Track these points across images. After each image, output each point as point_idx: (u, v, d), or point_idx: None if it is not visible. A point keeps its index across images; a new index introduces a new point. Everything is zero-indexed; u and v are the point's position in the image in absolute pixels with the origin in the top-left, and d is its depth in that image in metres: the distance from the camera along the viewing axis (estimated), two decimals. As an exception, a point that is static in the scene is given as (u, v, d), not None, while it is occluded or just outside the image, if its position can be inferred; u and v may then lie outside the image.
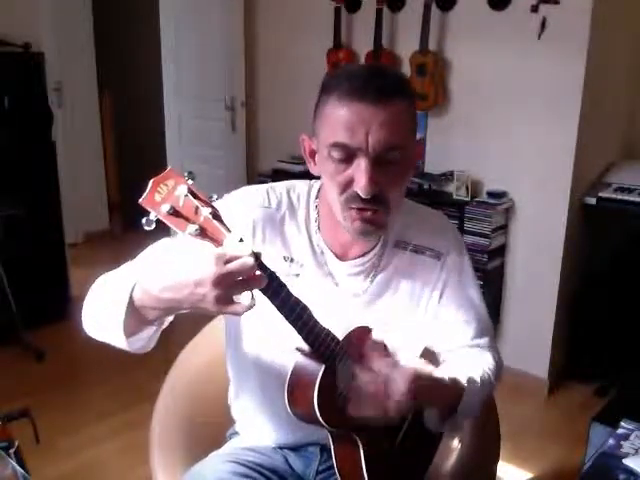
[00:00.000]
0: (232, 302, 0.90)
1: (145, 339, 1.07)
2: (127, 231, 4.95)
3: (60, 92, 4.26)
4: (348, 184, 1.06)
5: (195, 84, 4.08)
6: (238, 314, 0.91)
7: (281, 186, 1.23)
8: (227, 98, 3.88)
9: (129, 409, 2.68)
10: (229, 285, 0.88)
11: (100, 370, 3.01)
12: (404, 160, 1.07)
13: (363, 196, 1.04)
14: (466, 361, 1.25)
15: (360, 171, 1.04)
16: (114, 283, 1.05)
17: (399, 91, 1.06)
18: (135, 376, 2.74)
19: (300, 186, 1.23)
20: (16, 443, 1.46)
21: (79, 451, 2.47)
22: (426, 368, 1.10)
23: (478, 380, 1.20)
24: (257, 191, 1.21)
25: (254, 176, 3.91)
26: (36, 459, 1.64)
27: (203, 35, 3.93)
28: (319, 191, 1.21)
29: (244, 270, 0.88)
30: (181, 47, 4.05)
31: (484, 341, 1.29)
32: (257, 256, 0.89)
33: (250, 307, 0.90)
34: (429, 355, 1.30)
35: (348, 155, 1.05)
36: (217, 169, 4.00)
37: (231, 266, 0.87)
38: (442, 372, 1.15)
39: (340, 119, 1.04)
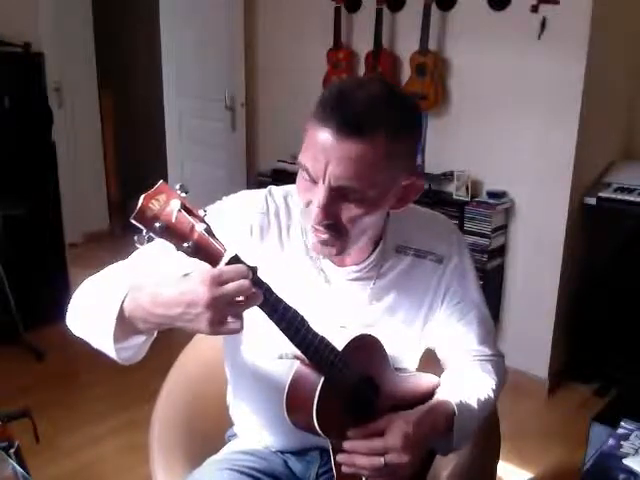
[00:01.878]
0: (226, 323, 0.88)
1: (134, 347, 1.04)
2: (127, 231, 4.90)
3: (60, 92, 4.25)
4: (308, 203, 1.03)
5: (195, 84, 4.08)
6: (235, 333, 0.90)
7: (279, 192, 1.19)
8: (227, 98, 3.87)
9: (129, 409, 2.68)
10: (224, 307, 0.86)
11: (100, 370, 2.97)
12: (365, 201, 0.99)
13: (313, 223, 1.01)
14: (463, 383, 1.22)
15: (316, 198, 0.99)
16: (104, 289, 1.02)
17: (368, 127, 0.94)
18: (135, 376, 2.72)
19: (295, 192, 1.20)
20: (16, 443, 1.46)
21: (79, 451, 2.47)
22: (414, 416, 1.09)
23: (475, 405, 1.17)
24: (256, 196, 1.18)
25: (254, 176, 3.91)
26: (36, 459, 1.65)
27: (203, 35, 3.93)
28: None
29: (240, 292, 0.86)
30: (181, 47, 4.05)
31: (486, 347, 1.28)
32: (253, 271, 0.87)
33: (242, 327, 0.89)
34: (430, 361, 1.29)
35: (312, 178, 1.00)
36: (217, 169, 4.00)
37: (226, 289, 0.85)
38: (431, 407, 1.14)
39: (310, 142, 0.99)
